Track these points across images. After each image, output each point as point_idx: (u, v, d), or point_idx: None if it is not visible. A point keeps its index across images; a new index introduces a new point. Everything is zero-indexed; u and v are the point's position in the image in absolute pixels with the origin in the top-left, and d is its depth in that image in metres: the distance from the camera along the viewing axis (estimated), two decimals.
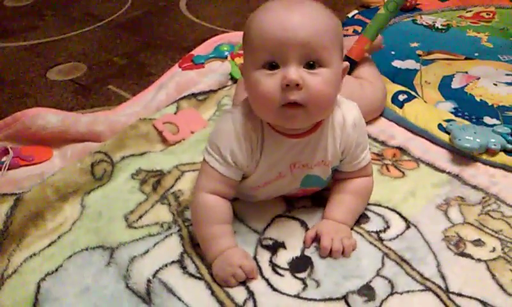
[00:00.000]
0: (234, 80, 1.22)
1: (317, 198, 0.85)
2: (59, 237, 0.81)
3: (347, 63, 0.74)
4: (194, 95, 1.14)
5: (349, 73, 1.10)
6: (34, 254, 0.78)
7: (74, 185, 0.89)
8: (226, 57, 1.30)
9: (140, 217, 0.84)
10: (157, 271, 0.74)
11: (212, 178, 0.74)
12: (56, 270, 0.76)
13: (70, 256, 0.78)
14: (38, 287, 0.73)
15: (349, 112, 0.76)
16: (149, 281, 0.72)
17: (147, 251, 0.77)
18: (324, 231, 0.76)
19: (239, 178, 0.76)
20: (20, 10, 1.83)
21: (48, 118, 1.01)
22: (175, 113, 1.09)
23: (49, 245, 0.80)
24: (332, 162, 0.78)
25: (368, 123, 1.04)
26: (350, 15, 1.59)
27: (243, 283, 0.72)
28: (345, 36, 1.40)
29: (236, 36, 1.37)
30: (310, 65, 0.67)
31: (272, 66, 0.67)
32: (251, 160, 0.74)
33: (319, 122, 0.73)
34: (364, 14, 1.58)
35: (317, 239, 0.77)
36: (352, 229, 0.80)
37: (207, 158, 0.75)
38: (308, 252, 0.76)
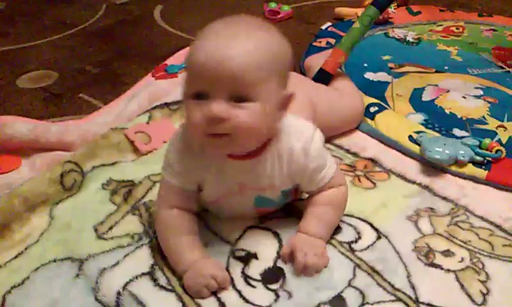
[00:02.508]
0: None
1: (288, 208, 0.85)
2: (26, 249, 0.80)
3: (291, 92, 0.71)
4: (167, 105, 1.13)
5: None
6: (0, 266, 0.77)
7: (43, 196, 0.87)
8: None
9: (110, 228, 0.83)
10: (127, 283, 0.73)
11: (170, 191, 0.76)
12: (23, 282, 0.74)
13: (38, 268, 0.76)
14: (3, 300, 0.71)
15: (297, 139, 0.74)
16: (119, 293, 0.71)
17: (117, 263, 0.76)
18: (297, 247, 0.75)
19: (195, 189, 0.77)
20: None
21: (16, 126, 0.99)
22: (148, 123, 1.08)
23: (16, 256, 0.78)
24: (281, 187, 0.77)
25: (340, 134, 1.06)
26: (323, 27, 1.60)
27: (215, 295, 0.71)
28: (318, 48, 1.43)
29: None
30: (238, 99, 0.65)
31: (201, 96, 0.66)
32: (199, 172, 0.75)
33: (261, 147, 0.73)
34: (338, 26, 1.59)
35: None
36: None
37: (163, 173, 0.76)
38: (280, 263, 0.76)
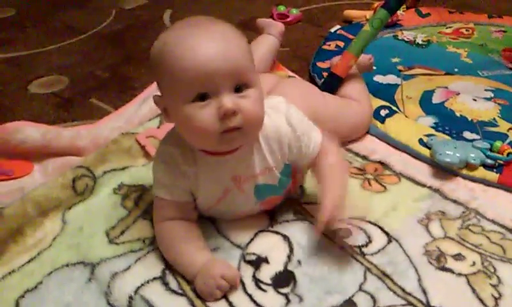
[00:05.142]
0: None
1: (299, 212, 0.85)
2: (39, 253, 0.80)
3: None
4: None
5: (335, 90, 1.11)
6: (13, 271, 0.77)
7: (55, 200, 0.88)
8: None
9: (122, 232, 0.83)
10: (138, 287, 0.73)
11: (164, 206, 0.77)
12: (36, 287, 0.75)
13: (50, 273, 0.77)
14: (17, 304, 0.72)
15: (278, 116, 0.77)
16: (131, 297, 0.72)
17: (129, 267, 0.77)
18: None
19: (189, 199, 0.78)
20: (0, 22, 1.82)
21: (28, 132, 1.00)
22: (158, 127, 1.08)
23: (29, 261, 0.79)
24: (278, 167, 0.78)
25: None
26: (332, 30, 1.60)
27: (226, 299, 0.71)
28: (328, 51, 1.43)
29: None
30: (238, 89, 0.68)
31: (203, 97, 0.67)
32: (189, 182, 0.76)
33: None
34: (347, 29, 1.60)
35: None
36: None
37: (154, 191, 0.78)
38: (291, 267, 0.76)
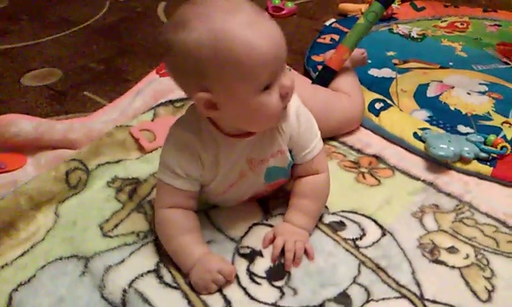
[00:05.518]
0: None
1: None
2: (32, 247, 0.80)
3: None
4: (171, 102, 1.13)
5: (329, 83, 1.11)
6: (6, 264, 0.77)
7: (48, 194, 0.87)
8: None
9: (116, 225, 0.83)
10: (132, 281, 0.73)
11: (168, 193, 0.76)
12: (29, 280, 0.74)
13: (44, 266, 0.76)
14: (10, 298, 0.72)
15: (289, 107, 0.76)
16: (125, 290, 0.72)
17: (123, 261, 0.76)
18: (279, 232, 0.78)
19: (195, 188, 0.77)
20: None
21: (21, 124, 1.00)
22: (152, 120, 1.08)
23: (22, 254, 0.79)
24: (287, 150, 0.79)
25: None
26: (327, 23, 1.60)
27: (221, 292, 0.72)
28: (322, 45, 1.43)
29: None
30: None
31: (269, 84, 0.67)
32: (203, 170, 0.75)
33: None
34: (342, 23, 1.59)
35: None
36: (327, 233, 0.81)
37: (160, 176, 0.76)
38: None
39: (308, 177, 0.81)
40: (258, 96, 0.67)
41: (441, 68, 1.36)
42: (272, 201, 0.86)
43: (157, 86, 1.19)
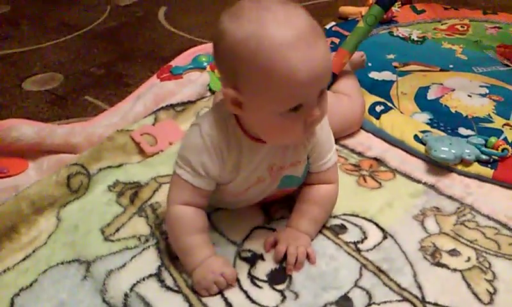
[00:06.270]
0: (212, 91, 1.22)
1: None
2: (33, 251, 0.80)
3: None
4: (172, 106, 1.13)
5: (329, 86, 1.11)
6: (8, 269, 0.77)
7: (50, 198, 0.88)
8: (204, 68, 1.30)
9: (117, 230, 0.83)
10: (134, 285, 0.73)
11: (185, 190, 0.74)
12: (31, 285, 0.74)
13: (45, 271, 0.76)
14: (12, 302, 0.72)
15: None
16: (126, 295, 0.72)
17: (124, 265, 0.76)
18: (282, 237, 0.78)
19: (212, 188, 0.76)
20: None
21: (22, 129, 1.00)
22: (153, 124, 1.08)
23: (24, 259, 0.79)
24: (305, 160, 0.79)
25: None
26: (328, 27, 1.60)
27: (222, 295, 0.71)
28: None
29: None
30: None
31: (297, 107, 0.66)
32: (224, 170, 0.74)
33: None
34: (342, 26, 1.59)
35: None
36: (329, 237, 0.80)
37: (179, 172, 0.74)
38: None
39: (320, 185, 0.81)
40: (282, 116, 0.66)
41: (441, 70, 1.36)
42: (274, 205, 0.86)
43: (158, 90, 1.20)
